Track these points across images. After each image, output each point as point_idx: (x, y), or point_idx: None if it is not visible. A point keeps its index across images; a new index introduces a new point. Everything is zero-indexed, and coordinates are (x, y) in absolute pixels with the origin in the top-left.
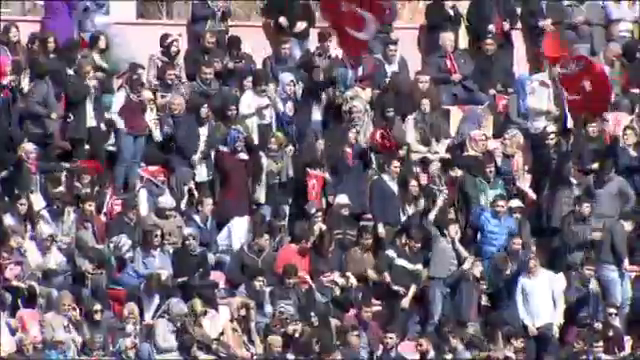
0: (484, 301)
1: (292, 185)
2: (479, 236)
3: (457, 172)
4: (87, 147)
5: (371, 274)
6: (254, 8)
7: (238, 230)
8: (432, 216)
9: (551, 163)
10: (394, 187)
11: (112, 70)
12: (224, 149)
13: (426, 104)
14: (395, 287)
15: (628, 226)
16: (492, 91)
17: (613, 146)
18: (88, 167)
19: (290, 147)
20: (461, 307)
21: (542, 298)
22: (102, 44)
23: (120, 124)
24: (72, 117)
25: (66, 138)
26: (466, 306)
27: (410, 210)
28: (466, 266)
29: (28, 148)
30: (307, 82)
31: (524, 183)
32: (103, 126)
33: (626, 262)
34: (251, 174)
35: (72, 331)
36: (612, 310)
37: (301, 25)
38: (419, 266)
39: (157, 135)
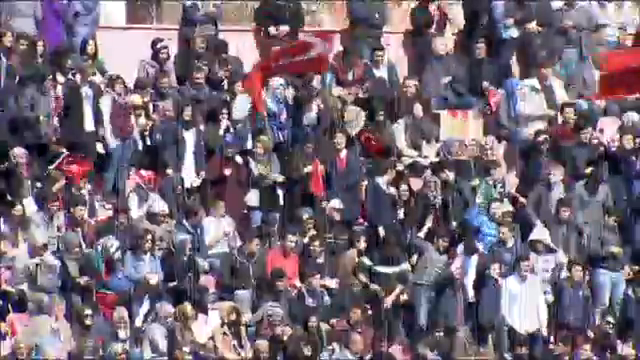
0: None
1: (283, 190)
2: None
3: (449, 175)
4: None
5: (361, 277)
6: (244, 12)
7: (209, 228)
8: (422, 233)
9: (541, 168)
10: (388, 191)
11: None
12: (217, 153)
13: (418, 109)
14: (373, 287)
15: (610, 222)
16: (485, 83)
17: (606, 153)
18: (78, 170)
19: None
20: (446, 312)
21: (530, 302)
22: (91, 49)
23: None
24: (69, 122)
25: (63, 142)
26: (452, 311)
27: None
28: (451, 270)
29: (18, 153)
30: (299, 87)
31: (511, 187)
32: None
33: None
34: (243, 179)
35: (62, 336)
36: (603, 314)
37: (283, 28)
38: (398, 268)
39: (148, 140)
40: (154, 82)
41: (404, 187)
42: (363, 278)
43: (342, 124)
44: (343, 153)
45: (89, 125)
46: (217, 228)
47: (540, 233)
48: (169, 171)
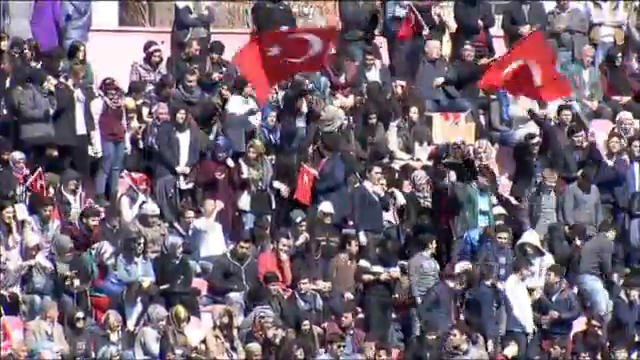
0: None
1: (275, 192)
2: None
3: (449, 177)
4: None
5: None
6: (237, 15)
7: (201, 229)
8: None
9: (534, 170)
10: (376, 194)
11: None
12: (209, 157)
13: (414, 112)
14: (384, 276)
15: (611, 235)
16: None
17: (596, 155)
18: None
19: (271, 156)
20: (440, 318)
21: (527, 303)
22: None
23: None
24: (61, 125)
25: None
26: (445, 317)
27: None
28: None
29: (16, 156)
30: (288, 90)
31: (504, 190)
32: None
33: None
34: (235, 182)
35: (55, 339)
36: (595, 322)
37: (283, 29)
38: (394, 269)
39: (140, 143)
40: (158, 85)
41: (383, 182)
42: (367, 277)
43: (319, 123)
44: (324, 158)
45: (81, 128)
46: (210, 229)
47: (530, 236)
48: (161, 173)
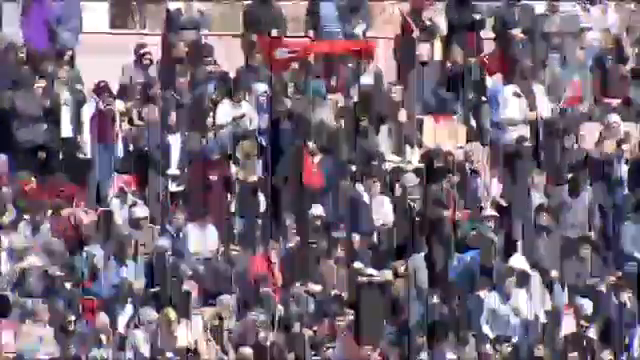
0: None
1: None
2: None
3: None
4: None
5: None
6: (228, 18)
7: (192, 235)
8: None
9: (525, 173)
10: (367, 198)
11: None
12: (200, 159)
13: (402, 114)
14: (376, 279)
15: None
16: None
17: (588, 158)
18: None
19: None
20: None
21: (512, 316)
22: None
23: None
24: (48, 127)
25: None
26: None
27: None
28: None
29: None
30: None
31: (495, 193)
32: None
33: None
34: (226, 184)
35: (46, 342)
36: (584, 323)
37: (274, 32)
38: (388, 272)
39: (131, 146)
40: (142, 87)
41: (377, 184)
42: (363, 279)
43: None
44: (316, 159)
45: (67, 131)
46: (200, 237)
47: (517, 261)
48: (152, 176)
